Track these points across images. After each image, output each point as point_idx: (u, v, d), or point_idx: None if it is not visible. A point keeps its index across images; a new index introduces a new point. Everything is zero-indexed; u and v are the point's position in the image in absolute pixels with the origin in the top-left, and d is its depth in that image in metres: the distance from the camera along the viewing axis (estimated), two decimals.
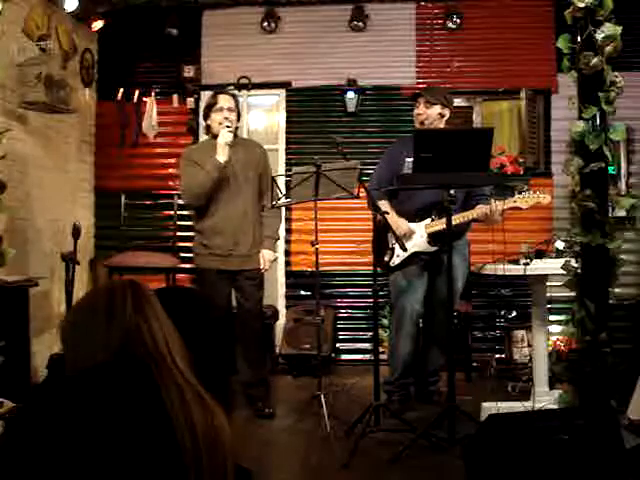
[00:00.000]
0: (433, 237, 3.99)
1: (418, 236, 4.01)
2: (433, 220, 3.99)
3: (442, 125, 4.11)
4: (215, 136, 4.01)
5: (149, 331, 1.35)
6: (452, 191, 3.55)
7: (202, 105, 5.91)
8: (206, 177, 3.89)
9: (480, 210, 3.83)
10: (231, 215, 3.97)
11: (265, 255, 4.06)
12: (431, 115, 4.07)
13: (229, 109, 4.02)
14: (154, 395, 1.26)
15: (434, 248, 4.02)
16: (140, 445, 1.21)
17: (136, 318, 1.35)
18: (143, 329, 1.34)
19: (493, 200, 3.84)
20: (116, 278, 5.35)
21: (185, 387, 1.31)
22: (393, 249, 4.05)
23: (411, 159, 4.02)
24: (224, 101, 4.04)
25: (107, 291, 1.39)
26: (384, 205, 4.05)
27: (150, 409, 1.24)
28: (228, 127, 3.93)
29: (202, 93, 5.98)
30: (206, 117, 4.11)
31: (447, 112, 4.11)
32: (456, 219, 3.82)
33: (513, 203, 3.79)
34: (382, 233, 4.09)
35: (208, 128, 4.13)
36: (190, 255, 5.86)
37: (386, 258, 4.09)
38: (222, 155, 3.89)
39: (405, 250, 3.72)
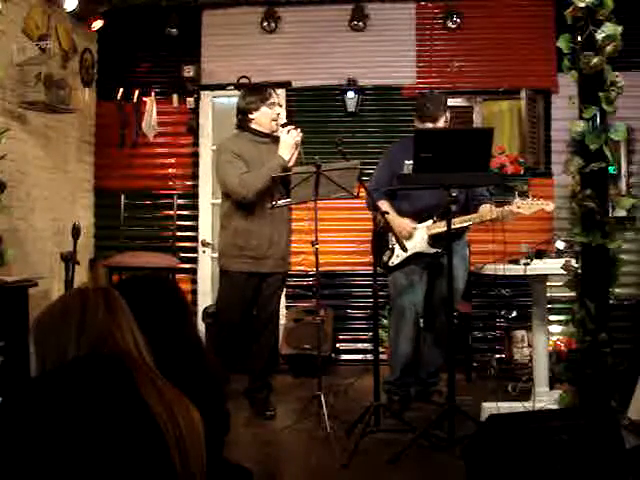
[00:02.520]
0: (433, 239, 4.00)
1: (419, 237, 4.01)
2: (435, 222, 3.99)
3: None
4: (252, 130, 3.94)
5: (121, 333, 1.40)
6: (454, 193, 3.55)
7: (201, 105, 5.98)
8: (268, 174, 3.78)
9: (485, 214, 3.85)
10: (269, 216, 3.90)
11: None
12: (438, 126, 4.04)
13: (280, 105, 3.99)
14: (132, 389, 1.30)
15: (434, 250, 4.02)
16: (124, 440, 1.23)
17: (108, 320, 1.40)
18: (115, 331, 1.40)
19: (494, 205, 3.87)
20: (116, 278, 5.36)
21: (159, 383, 1.36)
22: (393, 249, 4.05)
23: (410, 162, 4.02)
24: (275, 96, 3.98)
25: (81, 294, 1.44)
26: (384, 205, 4.05)
27: (130, 403, 1.28)
28: (287, 125, 3.87)
29: (202, 93, 5.98)
30: (254, 110, 3.93)
31: (448, 115, 4.10)
32: (459, 222, 3.84)
33: (517, 209, 3.79)
34: (382, 233, 4.09)
35: (247, 120, 3.96)
36: (190, 255, 5.92)
37: (385, 258, 4.09)
38: (288, 154, 3.83)
39: (405, 251, 3.72)
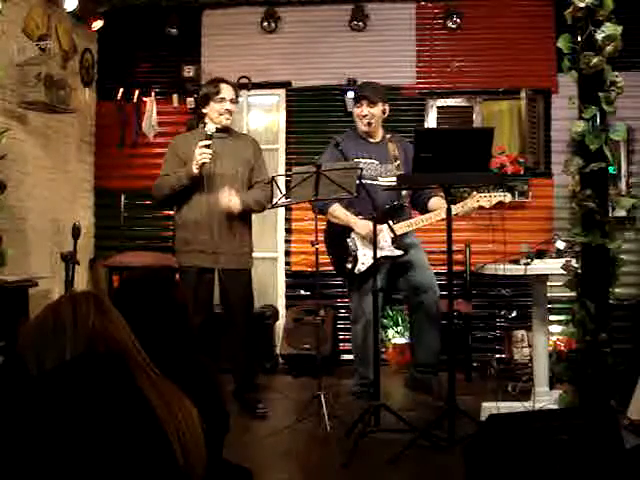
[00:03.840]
0: (392, 240, 3.97)
1: (382, 241, 3.95)
2: (395, 223, 3.97)
3: (380, 122, 4.18)
4: (205, 124, 3.92)
5: (115, 331, 1.42)
6: (404, 192, 3.63)
7: None
8: (176, 182, 3.78)
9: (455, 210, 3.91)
10: (214, 210, 3.80)
11: (232, 199, 3.77)
12: (376, 114, 4.14)
13: (232, 100, 3.91)
14: (131, 385, 1.31)
15: (399, 252, 4.00)
16: (126, 434, 1.24)
17: (101, 319, 1.42)
18: (109, 329, 1.42)
19: (441, 196, 3.94)
20: (116, 278, 5.35)
21: (157, 379, 1.37)
22: (356, 256, 4.00)
23: (365, 161, 4.04)
24: (227, 91, 3.90)
25: (69, 298, 1.46)
26: (337, 209, 4.04)
27: (130, 398, 1.29)
28: (211, 138, 3.71)
29: None
30: (204, 105, 3.92)
31: (387, 107, 4.21)
32: (426, 219, 3.88)
33: (476, 203, 3.86)
34: (337, 238, 4.05)
35: (202, 116, 3.96)
36: None
37: (348, 266, 4.01)
38: (195, 167, 3.70)
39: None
